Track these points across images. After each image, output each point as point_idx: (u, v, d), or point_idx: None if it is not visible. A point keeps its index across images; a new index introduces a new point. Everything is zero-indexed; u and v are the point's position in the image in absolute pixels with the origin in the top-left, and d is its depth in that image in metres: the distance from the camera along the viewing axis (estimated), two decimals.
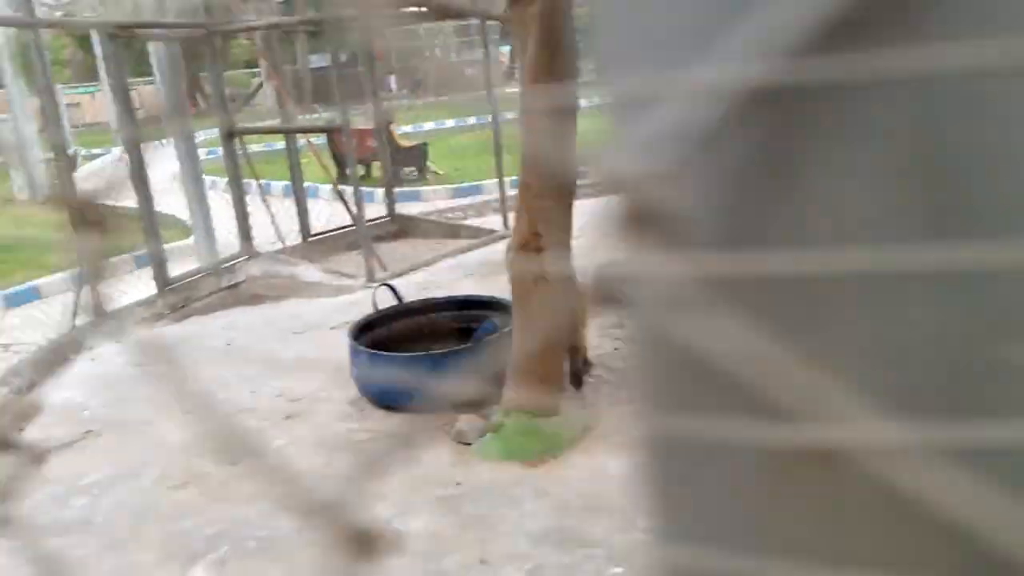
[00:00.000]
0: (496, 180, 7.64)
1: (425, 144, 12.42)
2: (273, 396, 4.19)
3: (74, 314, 5.58)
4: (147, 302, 5.99)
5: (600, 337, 4.55)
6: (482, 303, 4.55)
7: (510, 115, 9.69)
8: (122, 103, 5.40)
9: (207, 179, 7.70)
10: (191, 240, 7.52)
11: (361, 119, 9.27)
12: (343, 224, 7.56)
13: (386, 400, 3.88)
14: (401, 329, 4.39)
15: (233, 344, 4.99)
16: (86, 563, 2.87)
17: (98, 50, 19.48)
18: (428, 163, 12.36)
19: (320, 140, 9.48)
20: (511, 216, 7.43)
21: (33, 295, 7.25)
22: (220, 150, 6.88)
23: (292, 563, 2.77)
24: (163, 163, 9.15)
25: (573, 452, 3.30)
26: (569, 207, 3.34)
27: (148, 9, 7.18)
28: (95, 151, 17.99)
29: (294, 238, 7.35)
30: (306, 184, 7.57)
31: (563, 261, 3.31)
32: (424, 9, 6.74)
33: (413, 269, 6.52)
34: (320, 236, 7.54)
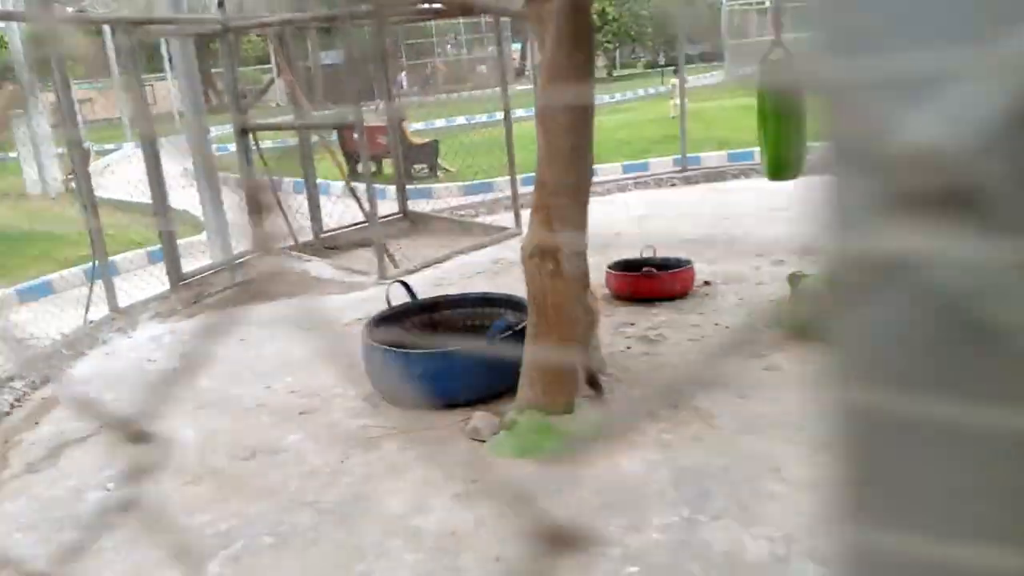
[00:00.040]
0: (507, 177, 7.63)
1: (436, 141, 12.41)
2: (287, 392, 4.20)
3: (87, 309, 5.60)
4: (160, 297, 6.01)
5: (613, 336, 4.54)
6: (496, 300, 4.54)
7: (522, 112, 9.65)
8: (137, 99, 5.41)
9: (219, 175, 7.70)
10: (203, 236, 7.54)
11: (373, 116, 9.28)
12: (355, 221, 7.57)
13: (400, 396, 3.88)
14: (415, 326, 4.39)
15: (246, 340, 5.00)
16: (101, 558, 2.88)
17: (110, 46, 19.54)
18: (439, 160, 12.36)
19: (332, 137, 9.49)
20: (524, 213, 7.43)
21: (46, 290, 7.28)
22: (230, 146, 6.89)
23: (306, 559, 2.78)
24: (176, 159, 9.17)
25: (587, 450, 3.29)
26: (584, 205, 3.33)
27: (161, 5, 7.19)
28: (107, 146, 18.08)
29: (306, 234, 7.36)
30: (318, 181, 7.57)
31: (578, 259, 3.30)
32: (440, 5, 6.73)
33: (425, 266, 6.52)
34: (332, 233, 7.55)
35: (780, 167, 4.52)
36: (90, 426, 4.04)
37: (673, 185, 9.70)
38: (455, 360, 3.74)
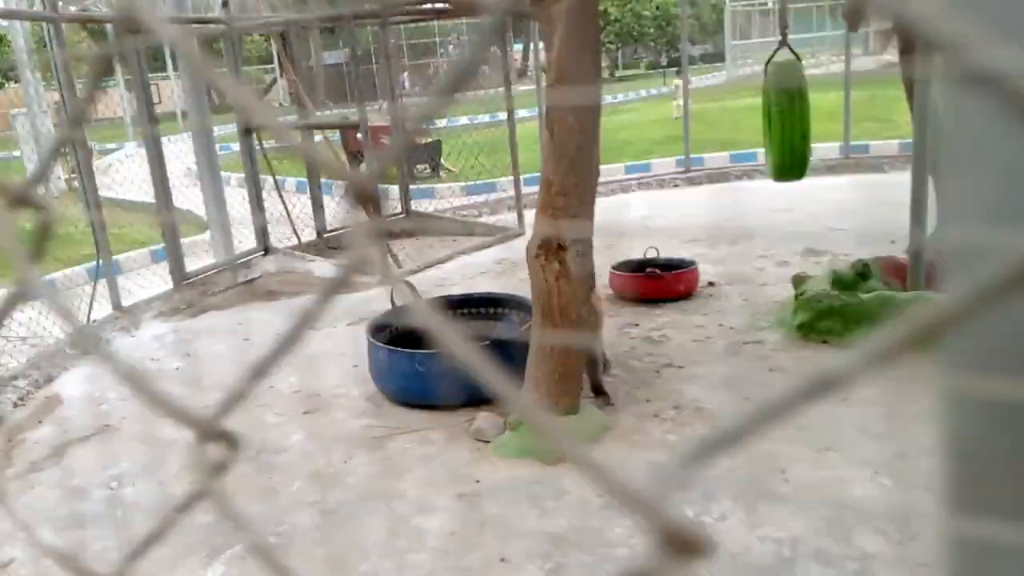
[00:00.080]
0: (510, 177, 7.63)
1: (439, 141, 12.41)
2: (291, 392, 4.19)
3: (91, 307, 5.60)
4: (164, 297, 6.01)
5: (617, 336, 4.54)
6: (501, 301, 4.54)
7: (524, 112, 9.64)
8: (141, 98, 5.41)
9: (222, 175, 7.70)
10: (207, 235, 7.54)
11: (375, 116, 9.28)
12: None
13: (403, 396, 3.88)
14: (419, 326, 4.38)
15: (250, 339, 5.00)
16: (106, 557, 2.88)
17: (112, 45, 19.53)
18: (442, 160, 12.36)
19: (334, 136, 9.49)
20: (527, 214, 7.43)
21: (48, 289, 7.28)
22: (232, 146, 6.88)
23: (311, 559, 2.77)
24: (179, 158, 9.17)
25: (592, 451, 3.29)
26: (591, 205, 3.33)
27: (164, 5, 7.19)
28: (109, 146, 18.07)
29: (309, 234, 7.36)
30: (321, 180, 7.57)
31: (584, 259, 3.30)
32: (444, 5, 6.73)
33: (428, 266, 6.52)
34: (335, 232, 7.55)
35: (785, 168, 4.52)
36: (93, 424, 4.04)
37: (676, 186, 9.70)
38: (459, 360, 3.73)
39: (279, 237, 7.20)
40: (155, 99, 7.19)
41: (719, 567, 2.51)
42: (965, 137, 0.31)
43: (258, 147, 6.86)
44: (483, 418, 3.52)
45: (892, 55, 20.97)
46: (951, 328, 0.26)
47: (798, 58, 4.44)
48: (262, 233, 6.88)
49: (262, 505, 3.12)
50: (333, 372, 4.33)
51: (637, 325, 4.75)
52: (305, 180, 7.50)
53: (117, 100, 20.87)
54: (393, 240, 7.03)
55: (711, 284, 5.38)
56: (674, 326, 4.69)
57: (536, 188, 7.28)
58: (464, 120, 16.82)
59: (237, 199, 7.43)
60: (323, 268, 6.61)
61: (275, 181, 7.11)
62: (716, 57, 30.79)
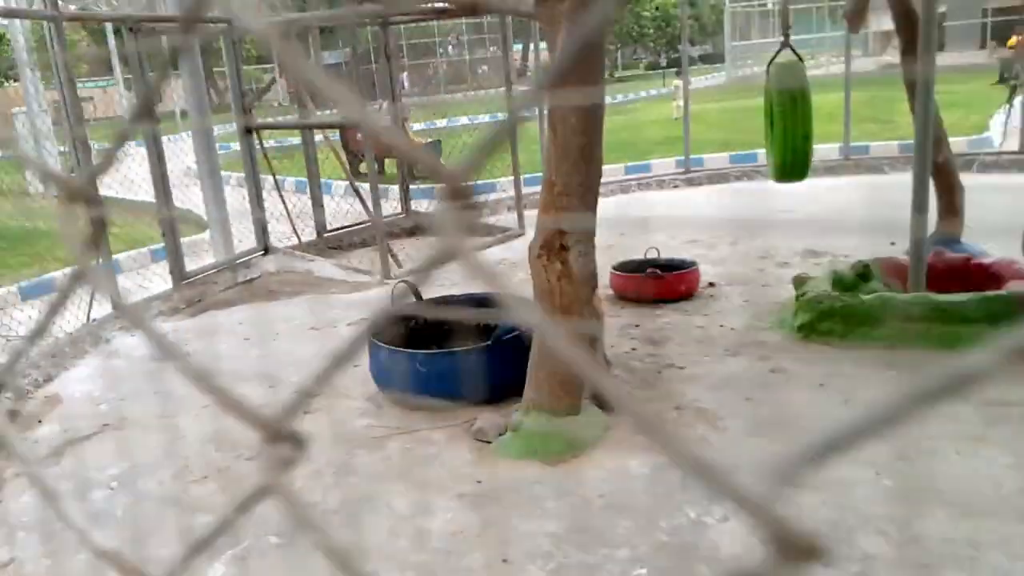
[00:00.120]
0: (509, 178, 7.62)
1: (439, 141, 12.41)
2: (291, 391, 4.17)
3: (90, 307, 5.59)
4: (163, 296, 6.00)
5: (618, 337, 4.53)
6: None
7: (524, 113, 9.64)
8: (142, 97, 5.39)
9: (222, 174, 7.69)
10: (207, 235, 7.53)
11: (376, 116, 9.26)
12: (357, 220, 7.57)
13: (404, 397, 3.87)
14: (420, 326, 4.38)
15: (250, 339, 4.99)
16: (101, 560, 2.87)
17: (112, 44, 19.54)
18: (441, 160, 12.35)
19: (334, 136, 9.49)
20: (527, 214, 7.42)
21: (49, 287, 7.27)
22: (232, 145, 6.87)
23: (312, 559, 2.77)
24: (178, 157, 9.16)
25: (593, 452, 3.29)
26: (593, 205, 3.32)
27: (165, 3, 7.18)
28: (107, 145, 18.03)
29: (309, 234, 7.35)
30: (320, 180, 7.56)
31: (586, 260, 3.29)
32: (445, 5, 6.73)
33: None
34: (335, 232, 7.54)
35: (787, 169, 4.52)
36: (93, 424, 4.03)
37: (676, 187, 9.70)
38: (460, 361, 3.73)
39: (279, 236, 7.20)
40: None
41: (721, 568, 2.51)
42: None
43: (258, 146, 6.85)
44: (484, 419, 3.52)
45: (892, 56, 21.00)
46: None
47: (800, 59, 4.44)
48: (262, 232, 6.87)
49: (261, 506, 3.10)
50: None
51: (638, 326, 4.74)
52: (305, 180, 7.48)
53: (115, 99, 20.85)
54: (393, 240, 7.02)
55: (712, 285, 5.38)
56: (675, 327, 4.69)
57: (535, 188, 7.27)
58: (464, 120, 16.83)
59: (237, 199, 7.42)
60: (323, 268, 6.60)
61: (275, 181, 7.10)
62: (716, 58, 30.81)
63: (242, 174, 7.11)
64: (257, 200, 6.76)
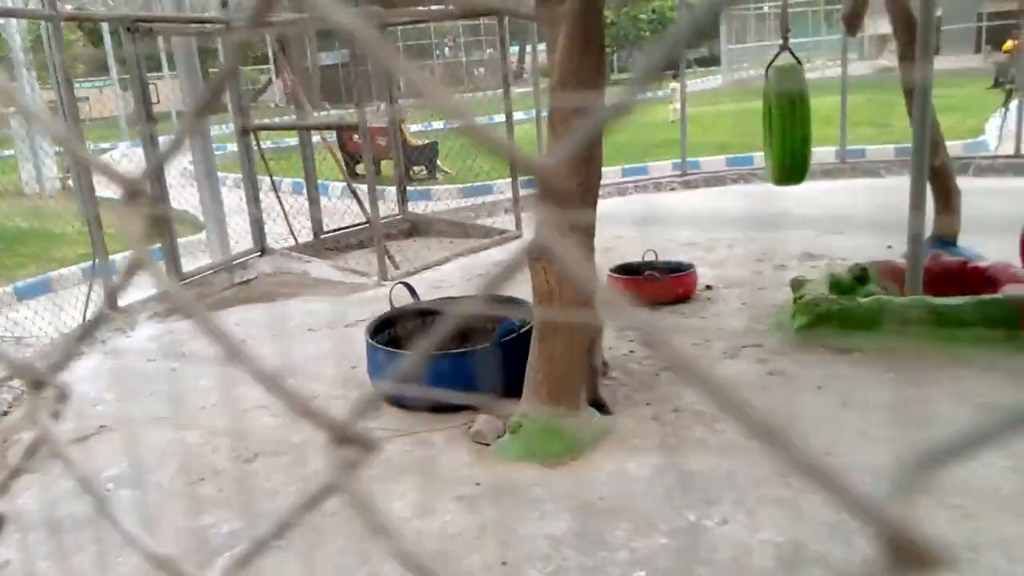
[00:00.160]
0: (506, 180, 7.62)
1: (435, 143, 12.41)
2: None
3: (86, 307, 5.58)
4: (159, 297, 5.98)
5: (615, 340, 4.53)
6: (501, 303, 4.52)
7: (520, 115, 9.64)
8: (140, 97, 5.39)
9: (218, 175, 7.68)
10: (203, 236, 7.52)
11: (372, 117, 9.26)
12: (354, 222, 7.56)
13: (403, 399, 3.86)
14: (418, 327, 4.37)
15: (247, 341, 4.98)
16: (104, 560, 2.86)
17: (108, 45, 19.50)
18: (439, 162, 12.35)
19: (331, 137, 9.47)
20: (524, 216, 7.43)
21: (44, 288, 7.25)
22: (228, 146, 6.86)
23: (311, 562, 2.76)
24: (175, 158, 9.15)
25: (592, 454, 3.28)
26: (593, 207, 3.32)
27: (162, 4, 7.17)
28: (103, 145, 18.01)
29: (306, 235, 7.34)
30: (317, 181, 7.56)
31: (585, 262, 3.29)
32: (443, 7, 6.73)
33: (425, 268, 6.51)
34: (332, 233, 7.53)
35: (786, 172, 4.53)
36: (89, 425, 4.01)
37: (673, 189, 9.72)
38: (459, 363, 3.73)
39: (275, 237, 7.18)
40: (153, 99, 7.16)
41: (720, 571, 2.51)
42: None
43: (255, 147, 6.84)
44: (482, 420, 3.51)
45: (888, 59, 21.05)
46: None
47: (799, 62, 4.46)
48: (259, 233, 6.86)
49: (264, 505, 3.10)
50: (331, 373, 4.32)
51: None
52: (302, 181, 7.48)
53: (111, 99, 20.79)
54: (390, 242, 7.01)
55: (709, 287, 5.38)
56: (672, 329, 4.69)
57: (532, 191, 7.23)
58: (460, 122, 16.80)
59: (234, 199, 7.41)
60: (320, 269, 6.59)
61: (272, 182, 7.09)
62: (712, 61, 30.86)
63: (239, 175, 7.10)
64: (254, 201, 6.75)
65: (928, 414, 3.37)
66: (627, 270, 5.31)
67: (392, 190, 8.46)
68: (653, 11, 31.15)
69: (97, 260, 5.45)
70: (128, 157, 14.93)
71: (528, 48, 11.22)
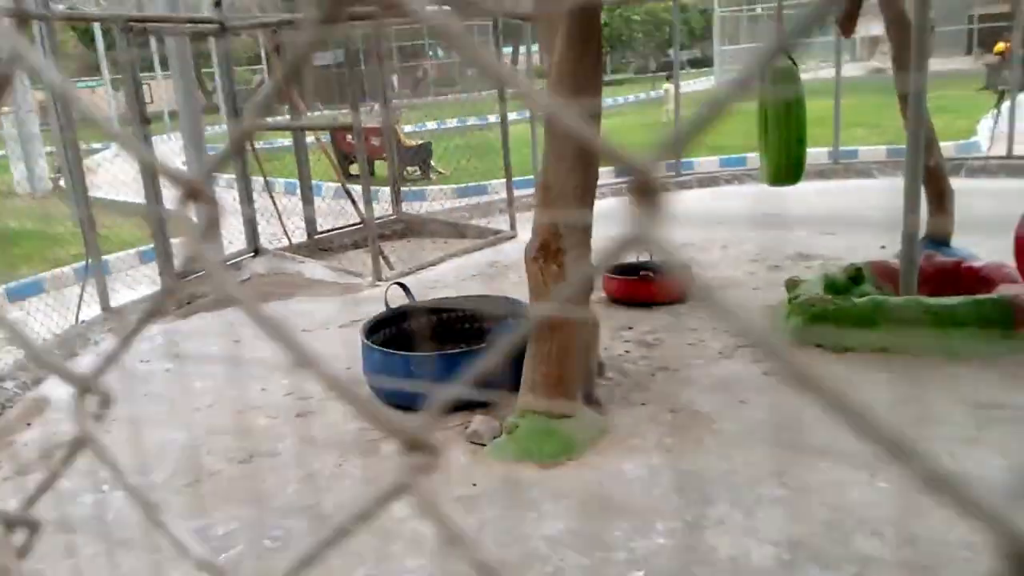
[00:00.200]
0: (501, 180, 7.61)
1: (429, 143, 12.40)
2: (283, 394, 4.16)
3: (79, 308, 5.55)
4: (153, 298, 5.95)
5: (611, 340, 4.53)
6: (496, 303, 4.52)
7: (513, 116, 9.67)
8: (133, 97, 5.36)
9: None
10: None
11: (366, 117, 9.25)
12: (347, 222, 7.54)
13: (398, 399, 3.85)
14: (413, 328, 4.36)
15: (241, 341, 4.96)
16: (97, 562, 2.85)
17: (100, 45, 19.41)
18: (432, 163, 12.34)
19: (325, 137, 9.45)
20: (519, 217, 7.42)
21: (36, 289, 7.21)
22: (221, 146, 6.83)
23: (312, 560, 2.75)
24: (167, 158, 9.11)
25: (589, 454, 3.28)
26: (590, 208, 3.32)
27: (155, 4, 7.14)
28: (95, 145, 17.92)
29: (299, 235, 7.32)
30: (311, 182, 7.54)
31: (583, 263, 3.29)
32: (446, 7, 6.71)
33: (420, 268, 6.50)
34: (326, 234, 7.52)
35: (781, 173, 4.54)
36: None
37: (666, 190, 9.72)
38: (454, 363, 3.72)
39: (269, 238, 7.16)
40: (147, 99, 7.13)
41: (718, 571, 2.51)
42: None
43: (249, 148, 6.81)
44: (479, 421, 3.50)
45: (880, 61, 21.10)
46: None
47: (795, 63, 4.46)
48: (252, 234, 6.83)
49: (256, 509, 3.09)
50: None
51: (631, 328, 4.75)
52: (295, 181, 7.46)
53: (103, 99, 20.70)
54: (385, 242, 7.00)
55: None
56: (668, 329, 4.69)
57: (527, 191, 7.26)
58: (454, 123, 16.83)
59: (227, 200, 7.39)
60: (314, 270, 6.57)
61: (265, 182, 7.07)
62: (704, 62, 30.93)
63: (232, 175, 7.07)
64: (248, 201, 6.73)
65: (923, 414, 3.38)
66: (623, 270, 5.31)
67: (386, 190, 8.44)
68: (646, 12, 31.19)
69: (90, 260, 5.42)
70: (121, 157, 14.86)
71: (522, 49, 11.23)
